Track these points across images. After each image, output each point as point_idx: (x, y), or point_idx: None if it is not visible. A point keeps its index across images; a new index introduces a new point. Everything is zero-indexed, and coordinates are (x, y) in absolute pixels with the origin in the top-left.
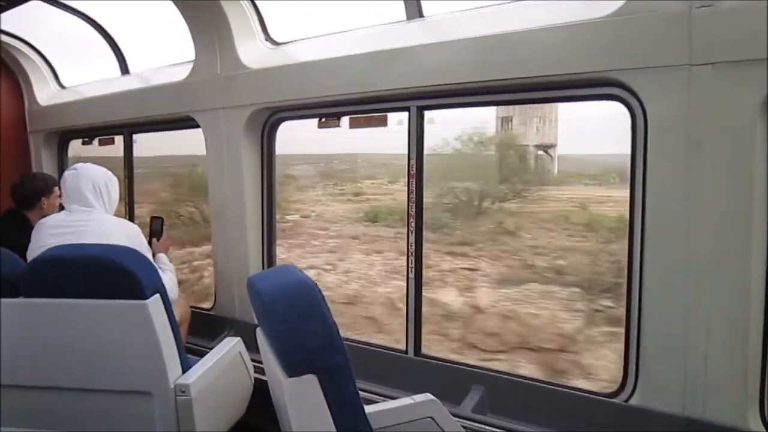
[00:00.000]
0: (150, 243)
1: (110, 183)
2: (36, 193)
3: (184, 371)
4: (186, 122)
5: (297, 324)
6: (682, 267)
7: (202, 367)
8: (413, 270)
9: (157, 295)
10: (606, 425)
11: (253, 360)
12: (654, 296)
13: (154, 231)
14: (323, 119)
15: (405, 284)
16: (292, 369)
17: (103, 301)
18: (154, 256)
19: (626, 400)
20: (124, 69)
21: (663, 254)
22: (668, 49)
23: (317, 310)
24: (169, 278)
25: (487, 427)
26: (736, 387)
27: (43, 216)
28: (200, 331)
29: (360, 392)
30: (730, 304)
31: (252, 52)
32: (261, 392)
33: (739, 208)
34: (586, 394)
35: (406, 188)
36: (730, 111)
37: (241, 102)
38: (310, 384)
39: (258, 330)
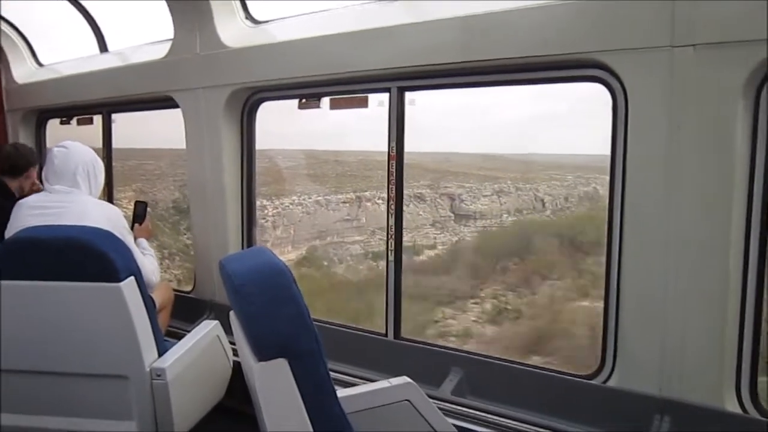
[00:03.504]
0: (132, 227)
1: (98, 165)
2: (26, 162)
3: (160, 355)
4: (165, 102)
5: (267, 307)
6: (661, 249)
7: (178, 350)
8: (393, 252)
9: (132, 278)
10: (584, 406)
11: (232, 343)
12: (633, 278)
13: (137, 215)
14: (303, 100)
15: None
16: (262, 353)
17: (77, 284)
18: (136, 240)
19: (604, 382)
20: (103, 47)
21: (642, 236)
22: (650, 31)
23: (288, 293)
24: (150, 262)
25: (466, 409)
26: (712, 368)
27: (21, 189)
28: (181, 314)
29: (339, 375)
30: (708, 286)
31: (232, 31)
32: (240, 375)
33: (719, 189)
34: (566, 376)
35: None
36: (711, 93)
37: (220, 81)
38: (280, 368)
39: (231, 313)
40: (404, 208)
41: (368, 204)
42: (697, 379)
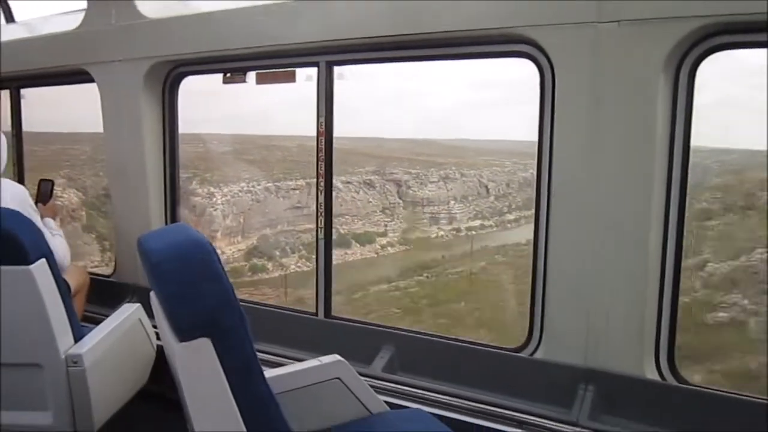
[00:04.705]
0: (36, 206)
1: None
2: None
3: (77, 341)
4: (80, 76)
5: (187, 284)
6: (586, 225)
7: (96, 335)
8: (323, 230)
9: (43, 260)
10: (513, 378)
11: (155, 326)
12: (558, 254)
13: (42, 194)
14: (228, 74)
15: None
16: (184, 333)
17: None
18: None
19: (532, 354)
20: (9, 17)
21: (568, 213)
22: (576, 7)
23: (210, 270)
24: (59, 243)
25: (397, 386)
26: (634, 339)
27: None
28: (101, 299)
29: (269, 356)
30: (629, 260)
31: (150, 1)
32: (165, 359)
33: (640, 165)
34: (494, 350)
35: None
36: (634, 68)
37: (138, 54)
38: (203, 348)
39: (151, 294)
40: (354, 195)
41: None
42: (619, 349)
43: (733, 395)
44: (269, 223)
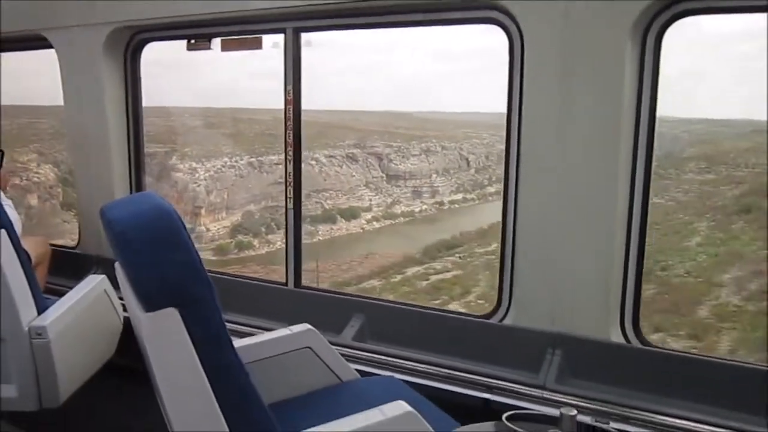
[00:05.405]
0: None
1: None
2: None
3: (40, 313)
4: (37, 42)
5: (152, 253)
6: (554, 194)
7: (60, 307)
8: (292, 200)
9: (2, 231)
10: (482, 344)
11: (121, 298)
12: (527, 222)
13: None
14: (192, 41)
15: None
16: (150, 302)
17: None
18: None
19: (501, 320)
20: None
21: (536, 183)
22: None
23: (176, 237)
24: (10, 213)
25: (367, 354)
26: (599, 304)
27: None
28: (65, 271)
29: (239, 327)
30: (596, 228)
31: None
32: (131, 331)
33: (608, 134)
34: (463, 317)
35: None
36: (602, 36)
37: (98, 19)
38: (170, 318)
39: (116, 264)
40: (338, 169)
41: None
42: (585, 314)
43: (693, 356)
44: (253, 198)
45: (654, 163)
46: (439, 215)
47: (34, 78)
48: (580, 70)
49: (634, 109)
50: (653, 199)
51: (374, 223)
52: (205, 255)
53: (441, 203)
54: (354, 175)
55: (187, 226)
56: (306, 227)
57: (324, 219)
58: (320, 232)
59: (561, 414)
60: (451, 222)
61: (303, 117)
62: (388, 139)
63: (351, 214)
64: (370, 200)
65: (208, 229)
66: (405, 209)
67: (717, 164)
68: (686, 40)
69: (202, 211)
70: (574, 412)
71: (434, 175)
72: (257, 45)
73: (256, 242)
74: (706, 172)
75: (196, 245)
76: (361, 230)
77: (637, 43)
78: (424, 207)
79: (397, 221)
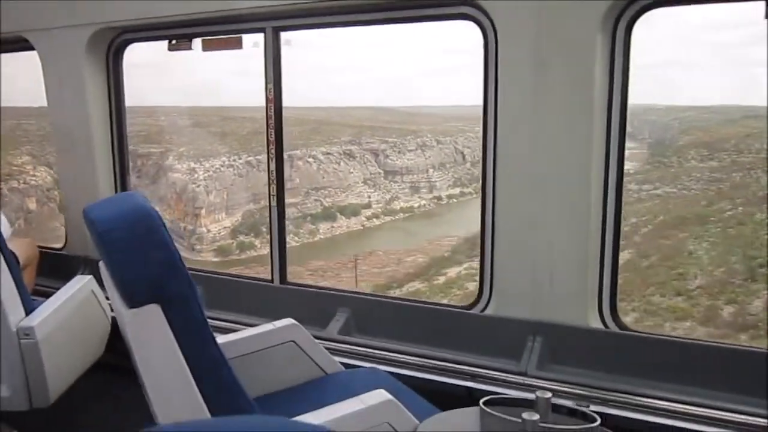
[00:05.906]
0: None
1: None
2: None
3: (28, 314)
4: (19, 44)
5: (134, 252)
6: (531, 186)
7: (48, 308)
8: (275, 198)
9: None
10: (465, 334)
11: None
12: (506, 214)
13: None
14: (173, 41)
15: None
16: (133, 299)
17: None
18: None
19: (482, 310)
20: None
21: (513, 174)
22: None
23: (157, 236)
24: None
25: (353, 347)
26: (578, 291)
27: None
28: (52, 272)
29: (225, 324)
30: (571, 217)
31: None
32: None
33: (582, 126)
34: (446, 308)
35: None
36: (574, 30)
37: (80, 21)
38: (152, 314)
39: (100, 263)
40: (336, 166)
41: (299, 163)
42: (564, 302)
43: (669, 338)
44: (252, 198)
45: (649, 152)
46: (437, 210)
47: (12, 80)
48: (553, 63)
49: (606, 99)
50: (665, 188)
51: (374, 219)
52: (207, 256)
53: (439, 198)
54: (352, 172)
55: (188, 227)
56: (307, 226)
57: (324, 217)
58: (320, 231)
59: (536, 397)
60: (450, 216)
61: (297, 114)
62: (382, 134)
63: (351, 212)
64: (369, 197)
65: (208, 230)
66: (404, 205)
67: (718, 151)
68: (670, 31)
69: (202, 212)
70: (549, 394)
71: (431, 170)
72: (237, 45)
73: (257, 242)
74: (709, 159)
75: (198, 246)
76: (362, 227)
77: (608, 34)
78: (423, 202)
79: (396, 217)
